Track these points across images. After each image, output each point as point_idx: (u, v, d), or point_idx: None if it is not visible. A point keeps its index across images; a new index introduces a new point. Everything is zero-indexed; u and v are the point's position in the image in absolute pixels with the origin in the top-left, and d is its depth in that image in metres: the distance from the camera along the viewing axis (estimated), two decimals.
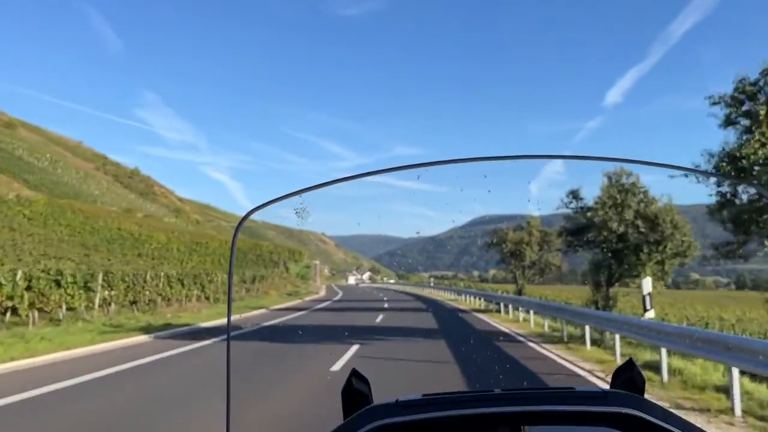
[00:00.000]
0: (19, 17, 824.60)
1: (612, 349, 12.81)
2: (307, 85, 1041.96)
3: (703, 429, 1.07)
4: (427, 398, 1.14)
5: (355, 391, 1.20)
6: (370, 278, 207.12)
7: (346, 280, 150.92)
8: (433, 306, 35.78)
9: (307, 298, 43.72)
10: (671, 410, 1.10)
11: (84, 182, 66.82)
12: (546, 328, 19.00)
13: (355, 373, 1.24)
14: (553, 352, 13.86)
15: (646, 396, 1.14)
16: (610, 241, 19.36)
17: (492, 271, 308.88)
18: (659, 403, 1.20)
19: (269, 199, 1.26)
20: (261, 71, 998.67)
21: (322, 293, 53.33)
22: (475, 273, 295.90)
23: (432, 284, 72.80)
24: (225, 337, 14.61)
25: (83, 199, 65.02)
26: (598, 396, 1.09)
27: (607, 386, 1.20)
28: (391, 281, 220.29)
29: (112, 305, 22.89)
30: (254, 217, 1.33)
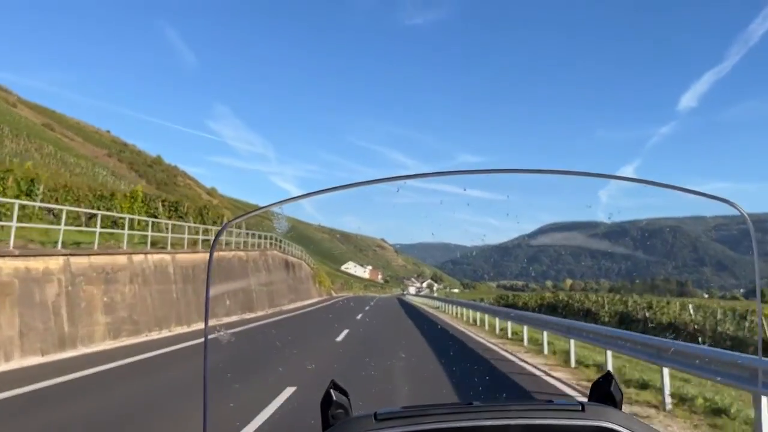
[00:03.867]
0: (103, 39, 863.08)
1: None
2: (374, 96, 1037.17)
3: None
4: (406, 411, 1.11)
5: (333, 402, 1.16)
6: (429, 286, 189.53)
7: (403, 291, 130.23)
8: None
9: None
10: (649, 424, 1.11)
11: None
12: None
13: (334, 385, 1.19)
14: None
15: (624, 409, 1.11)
16: None
17: (569, 281, 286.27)
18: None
19: (246, 212, 1.24)
20: (328, 83, 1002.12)
21: None
22: (548, 283, 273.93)
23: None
24: None
25: None
26: (575, 409, 1.08)
27: None
28: (455, 290, 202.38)
29: None
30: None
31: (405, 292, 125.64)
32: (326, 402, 1.15)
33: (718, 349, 8.67)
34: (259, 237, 36.86)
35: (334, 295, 71.59)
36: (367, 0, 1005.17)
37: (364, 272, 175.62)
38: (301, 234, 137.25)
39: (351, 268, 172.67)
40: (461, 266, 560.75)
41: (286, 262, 42.91)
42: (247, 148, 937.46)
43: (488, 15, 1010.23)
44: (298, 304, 39.93)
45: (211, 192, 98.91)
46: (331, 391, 1.17)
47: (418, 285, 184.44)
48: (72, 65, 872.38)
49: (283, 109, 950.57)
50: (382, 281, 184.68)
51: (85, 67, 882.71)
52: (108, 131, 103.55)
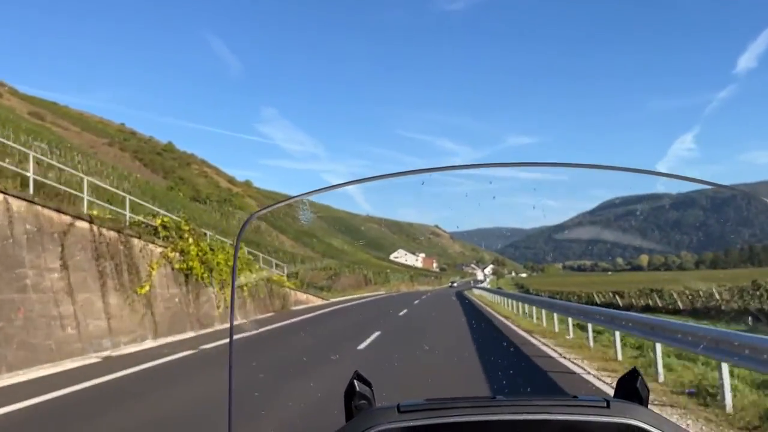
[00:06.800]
0: (154, 50, 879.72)
1: None
2: (419, 86, 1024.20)
3: None
4: (429, 403, 1.11)
5: (357, 393, 1.17)
6: (494, 272, 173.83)
7: (452, 282, 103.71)
8: None
9: None
10: (675, 422, 1.08)
11: None
12: None
13: (358, 376, 1.19)
14: None
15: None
16: None
17: (644, 257, 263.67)
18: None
19: (271, 204, 1.31)
20: (373, 77, 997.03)
21: None
22: (619, 260, 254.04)
23: None
24: None
25: None
26: (600, 405, 1.07)
27: None
28: (523, 275, 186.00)
29: None
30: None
31: (455, 283, 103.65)
32: (350, 393, 1.14)
33: None
34: None
35: (309, 303, 36.13)
36: None
37: (416, 260, 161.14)
38: (347, 225, 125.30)
39: (401, 257, 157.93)
40: (522, 250, 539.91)
41: None
42: (298, 148, 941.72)
43: None
44: None
45: (238, 183, 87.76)
46: (355, 381, 1.15)
47: (481, 272, 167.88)
48: (124, 84, 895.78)
49: (330, 106, 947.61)
50: (437, 269, 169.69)
51: (137, 86, 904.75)
52: (123, 124, 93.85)
